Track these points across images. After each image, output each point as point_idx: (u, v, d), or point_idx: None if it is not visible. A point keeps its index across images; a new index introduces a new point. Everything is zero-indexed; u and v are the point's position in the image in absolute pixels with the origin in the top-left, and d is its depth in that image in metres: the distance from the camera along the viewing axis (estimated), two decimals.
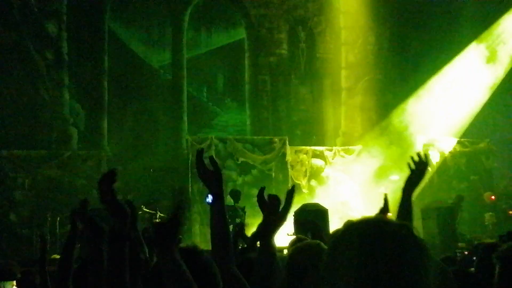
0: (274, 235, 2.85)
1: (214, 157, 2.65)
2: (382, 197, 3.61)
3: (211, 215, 2.66)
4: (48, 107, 16.05)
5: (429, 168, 2.73)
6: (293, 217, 10.16)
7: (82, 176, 15.73)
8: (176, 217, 2.17)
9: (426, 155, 2.87)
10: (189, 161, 16.83)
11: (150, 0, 18.07)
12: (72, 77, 16.61)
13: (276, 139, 17.76)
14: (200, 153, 2.66)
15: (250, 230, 5.52)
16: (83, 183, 15.62)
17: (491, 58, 18.93)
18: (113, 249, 2.32)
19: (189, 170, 16.70)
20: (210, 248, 2.67)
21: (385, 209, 3.52)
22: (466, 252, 6.36)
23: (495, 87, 18.75)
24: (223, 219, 2.64)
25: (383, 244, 1.43)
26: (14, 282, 5.87)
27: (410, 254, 1.43)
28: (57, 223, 13.79)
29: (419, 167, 2.89)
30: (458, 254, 8.98)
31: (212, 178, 2.61)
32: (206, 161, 2.63)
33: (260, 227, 2.90)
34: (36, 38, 16.05)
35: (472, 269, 4.21)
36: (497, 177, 19.17)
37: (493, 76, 18.85)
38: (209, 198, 2.73)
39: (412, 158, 2.96)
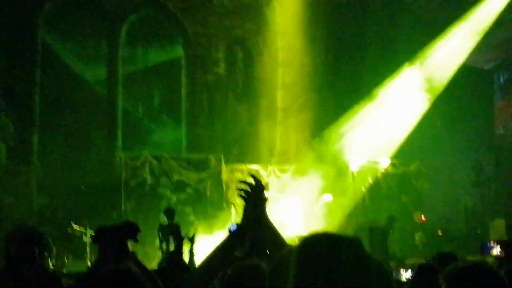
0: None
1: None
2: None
3: (224, 241, 2.60)
4: None
5: (264, 190, 2.69)
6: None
7: (11, 193, 15.21)
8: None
9: (258, 179, 2.80)
10: (122, 178, 16.55)
11: (86, 14, 17.77)
12: (2, 89, 16.10)
13: (211, 157, 17.68)
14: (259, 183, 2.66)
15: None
16: (11, 200, 15.11)
17: (423, 81, 19.47)
18: None
19: (122, 188, 16.42)
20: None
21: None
22: (400, 271, 6.45)
23: (426, 110, 19.26)
24: (229, 253, 2.60)
25: (338, 256, 1.48)
26: None
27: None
28: None
29: (253, 190, 2.79)
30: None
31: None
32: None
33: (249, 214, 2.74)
34: None
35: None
36: (427, 198, 19.64)
37: (424, 99, 19.38)
38: (234, 227, 2.67)
39: (245, 182, 2.85)
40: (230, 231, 2.67)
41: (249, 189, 2.71)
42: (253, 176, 2.78)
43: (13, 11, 16.33)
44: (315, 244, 1.54)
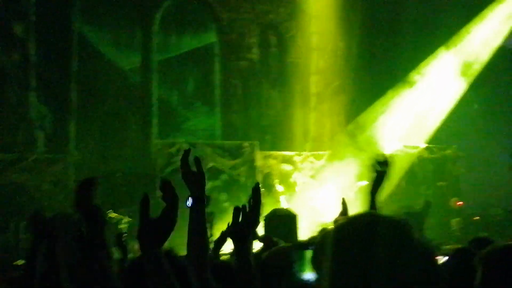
0: (250, 238, 2.76)
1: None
2: (341, 201, 3.63)
3: (190, 219, 2.57)
4: (14, 109, 15.76)
5: (391, 170, 2.71)
6: (263, 221, 10.06)
7: (48, 180, 15.47)
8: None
9: (388, 157, 2.84)
10: (157, 166, 16.69)
11: (120, 3, 17.87)
12: (40, 79, 16.33)
13: (246, 144, 17.70)
14: (186, 152, 2.58)
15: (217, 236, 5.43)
16: (49, 187, 15.37)
17: (460, 65, 19.16)
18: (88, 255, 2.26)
19: (157, 175, 16.55)
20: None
21: (344, 213, 3.52)
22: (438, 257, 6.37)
23: (462, 94, 18.98)
24: (202, 223, 2.55)
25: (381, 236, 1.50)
26: None
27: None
28: (21, 228, 13.49)
29: (383, 167, 2.86)
30: None
31: (195, 179, 2.53)
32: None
33: (232, 230, 2.78)
34: (2, 39, 15.75)
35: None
36: (464, 183, 19.39)
37: (461, 82, 19.08)
38: (189, 202, 2.62)
39: (376, 159, 2.94)
40: (187, 207, 2.60)
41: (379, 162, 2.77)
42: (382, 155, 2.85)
43: (49, 0, 16.52)
44: (356, 224, 1.57)
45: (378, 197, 2.96)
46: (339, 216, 3.28)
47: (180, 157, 2.67)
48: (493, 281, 2.18)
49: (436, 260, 1.55)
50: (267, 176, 17.67)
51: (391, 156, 2.78)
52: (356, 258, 1.48)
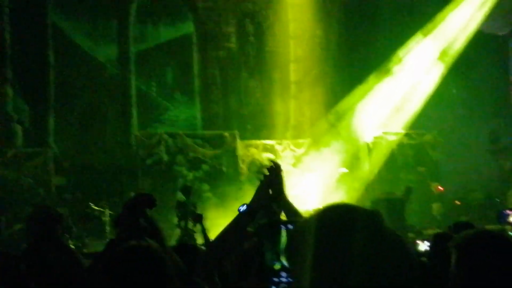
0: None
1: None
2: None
3: (235, 221, 2.60)
4: None
5: (282, 172, 2.70)
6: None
7: (28, 174, 15.32)
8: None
9: (275, 162, 2.83)
10: (138, 157, 16.61)
11: None
12: (16, 72, 16.13)
13: (226, 134, 17.67)
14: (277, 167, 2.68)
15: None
16: (29, 181, 15.23)
17: (437, 50, 19.25)
18: None
19: (138, 166, 16.48)
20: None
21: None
22: (417, 242, 6.44)
23: (440, 79, 19.08)
24: (240, 232, 2.60)
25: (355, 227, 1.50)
26: None
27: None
28: (1, 222, 13.37)
29: (269, 172, 2.81)
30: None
31: (265, 195, 2.61)
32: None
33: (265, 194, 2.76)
34: None
35: (424, 258, 4.24)
36: (443, 168, 19.53)
37: (438, 68, 19.18)
38: (243, 207, 2.68)
39: (263, 166, 2.90)
40: (239, 211, 2.68)
41: (267, 172, 2.74)
42: (272, 161, 2.82)
43: None
44: (332, 213, 1.56)
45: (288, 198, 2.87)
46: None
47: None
48: (467, 266, 2.20)
49: (408, 248, 1.57)
50: (252, 165, 17.68)
51: (277, 162, 2.75)
52: (332, 249, 1.49)
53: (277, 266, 2.43)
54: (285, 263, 2.39)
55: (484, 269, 2.17)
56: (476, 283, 2.18)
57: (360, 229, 1.48)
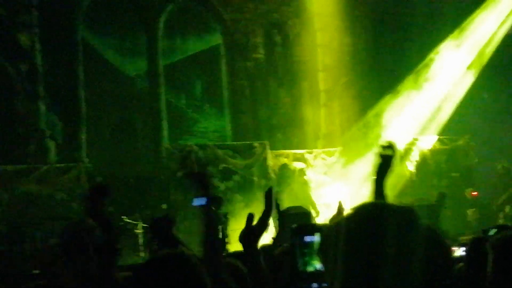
0: (257, 242, 2.76)
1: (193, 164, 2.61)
2: (337, 205, 3.75)
3: (204, 219, 2.57)
4: (24, 120, 15.81)
5: (396, 155, 2.69)
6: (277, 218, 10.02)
7: (62, 189, 15.50)
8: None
9: (393, 142, 2.81)
10: (169, 170, 16.70)
11: (123, 9, 17.90)
12: (48, 89, 16.38)
13: (256, 144, 17.69)
14: (185, 156, 2.65)
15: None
16: (63, 196, 15.41)
17: (467, 54, 19.06)
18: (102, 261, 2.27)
19: (169, 179, 16.56)
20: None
21: (339, 214, 3.57)
22: (453, 248, 6.33)
23: (471, 84, 18.88)
24: (216, 222, 2.58)
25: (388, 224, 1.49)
26: None
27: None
28: (37, 238, 13.52)
29: (387, 151, 2.82)
30: None
31: (200, 180, 2.54)
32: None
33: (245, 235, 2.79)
34: (8, 51, 15.81)
35: (461, 264, 4.17)
36: (477, 173, 19.28)
37: (469, 73, 18.98)
38: (198, 201, 2.62)
39: (380, 145, 2.91)
40: (195, 206, 2.64)
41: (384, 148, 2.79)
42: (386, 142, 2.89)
43: (52, 10, 16.55)
44: (362, 212, 1.55)
45: (385, 184, 2.90)
46: (335, 215, 3.28)
47: (191, 159, 2.71)
48: (503, 266, 2.17)
49: (446, 243, 1.54)
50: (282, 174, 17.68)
51: (394, 144, 2.74)
52: (364, 248, 1.46)
53: (310, 269, 2.41)
54: (318, 266, 2.36)
55: None
56: None
57: (393, 227, 1.45)
